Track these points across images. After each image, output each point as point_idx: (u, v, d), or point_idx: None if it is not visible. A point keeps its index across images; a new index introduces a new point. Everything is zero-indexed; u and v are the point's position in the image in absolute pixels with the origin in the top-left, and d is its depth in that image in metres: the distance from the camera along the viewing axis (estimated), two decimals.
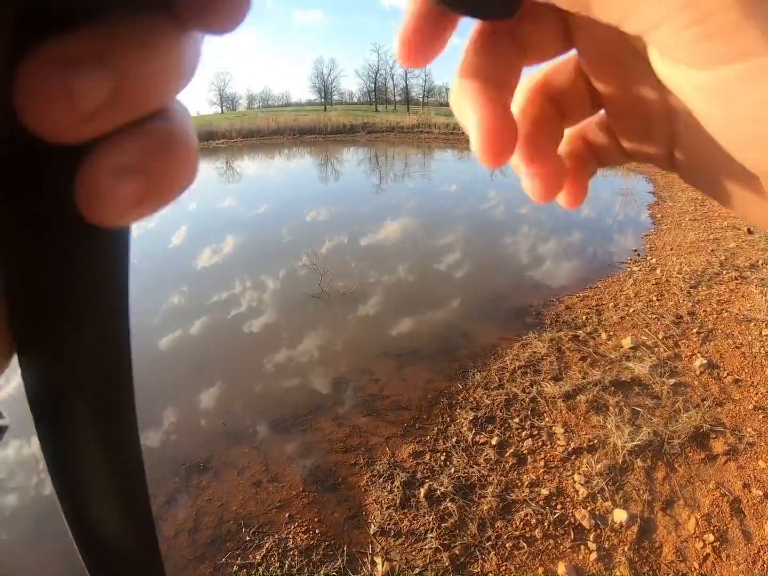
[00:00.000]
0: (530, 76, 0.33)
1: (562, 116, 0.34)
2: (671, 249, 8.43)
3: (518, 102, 0.33)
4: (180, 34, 0.19)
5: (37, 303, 0.21)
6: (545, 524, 3.12)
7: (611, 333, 5.39)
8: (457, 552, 2.96)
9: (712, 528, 3.08)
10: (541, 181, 0.32)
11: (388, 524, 3.15)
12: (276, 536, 3.11)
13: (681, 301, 6.17)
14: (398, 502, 3.29)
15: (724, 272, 7.09)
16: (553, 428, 3.90)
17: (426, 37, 0.27)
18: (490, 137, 0.26)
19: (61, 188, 0.19)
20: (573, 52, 0.31)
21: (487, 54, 0.29)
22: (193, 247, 9.56)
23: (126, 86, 0.18)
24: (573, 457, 3.63)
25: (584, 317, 5.81)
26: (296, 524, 3.19)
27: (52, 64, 0.16)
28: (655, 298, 6.28)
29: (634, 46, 0.26)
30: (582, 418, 4.00)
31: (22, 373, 0.23)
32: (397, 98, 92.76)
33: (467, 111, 0.28)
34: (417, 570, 2.85)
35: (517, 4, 0.26)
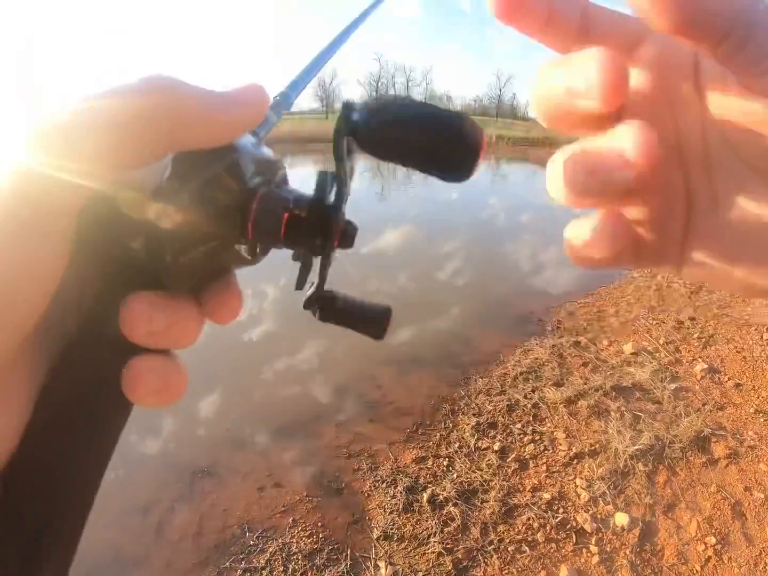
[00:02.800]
0: None
1: None
2: None
3: None
4: (200, 315, 0.35)
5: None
6: (547, 528, 3.13)
7: (612, 339, 5.41)
8: (459, 556, 2.97)
9: (713, 531, 3.10)
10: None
11: (391, 529, 3.16)
12: (279, 540, 3.12)
13: (682, 307, 6.20)
14: (401, 506, 3.30)
15: None
16: (555, 433, 3.92)
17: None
18: (614, 72, 0.26)
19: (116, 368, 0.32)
20: None
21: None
22: None
23: (171, 326, 0.32)
24: (575, 462, 3.65)
25: (585, 323, 5.83)
26: (300, 529, 3.20)
27: (146, 303, 0.31)
28: (656, 304, 6.30)
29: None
30: (583, 423, 4.02)
31: None
32: None
33: (586, 57, 0.27)
34: (420, 574, 2.86)
35: (383, 330, 0.40)
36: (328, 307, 0.38)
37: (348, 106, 0.30)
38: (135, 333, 0.30)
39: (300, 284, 0.37)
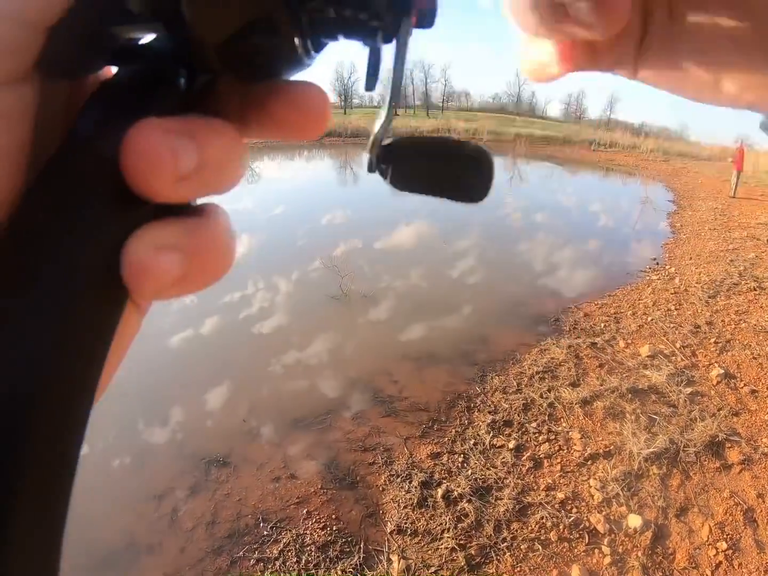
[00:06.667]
0: None
1: None
2: (690, 258, 8.42)
3: None
4: (242, 140, 0.25)
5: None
6: (560, 527, 3.14)
7: (629, 341, 5.40)
8: (472, 552, 2.98)
9: (725, 536, 3.10)
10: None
11: (405, 523, 3.18)
12: (294, 532, 3.15)
13: (699, 311, 6.18)
14: (415, 501, 3.32)
15: (743, 282, 7.09)
16: (570, 433, 3.92)
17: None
18: None
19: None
20: None
21: None
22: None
23: (205, 162, 0.22)
24: (589, 463, 3.65)
25: (602, 325, 5.82)
26: (314, 520, 3.23)
27: (160, 131, 0.21)
28: (673, 307, 6.28)
29: None
30: (599, 424, 4.02)
31: None
32: (417, 102, 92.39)
33: None
34: (433, 569, 2.88)
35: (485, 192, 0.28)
36: (402, 162, 0.28)
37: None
38: (152, 181, 0.21)
39: (371, 83, 0.26)
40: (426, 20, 0.25)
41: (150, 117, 0.21)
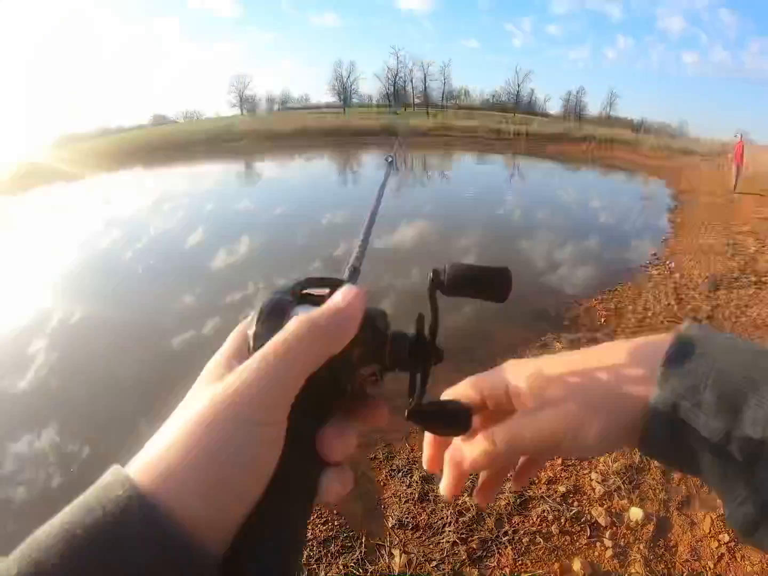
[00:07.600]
0: None
1: None
2: (691, 253, 8.41)
3: None
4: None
5: None
6: (562, 521, 3.15)
7: (630, 336, 5.39)
8: (474, 546, 2.99)
9: (727, 528, 3.09)
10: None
11: (407, 518, 3.19)
12: None
13: (699, 305, 6.17)
14: (417, 496, 3.33)
15: (744, 277, 7.08)
16: None
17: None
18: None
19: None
20: None
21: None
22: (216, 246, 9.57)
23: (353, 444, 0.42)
24: (590, 456, 3.65)
25: (603, 320, 5.83)
26: (315, 515, 3.23)
27: (336, 434, 0.41)
28: (673, 302, 6.28)
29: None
30: None
31: None
32: (417, 101, 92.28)
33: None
34: (434, 563, 2.89)
35: (468, 424, 0.49)
36: (425, 418, 0.51)
37: (436, 273, 0.48)
38: (334, 454, 0.40)
39: (411, 392, 0.50)
40: (440, 361, 0.48)
41: (330, 425, 0.41)
